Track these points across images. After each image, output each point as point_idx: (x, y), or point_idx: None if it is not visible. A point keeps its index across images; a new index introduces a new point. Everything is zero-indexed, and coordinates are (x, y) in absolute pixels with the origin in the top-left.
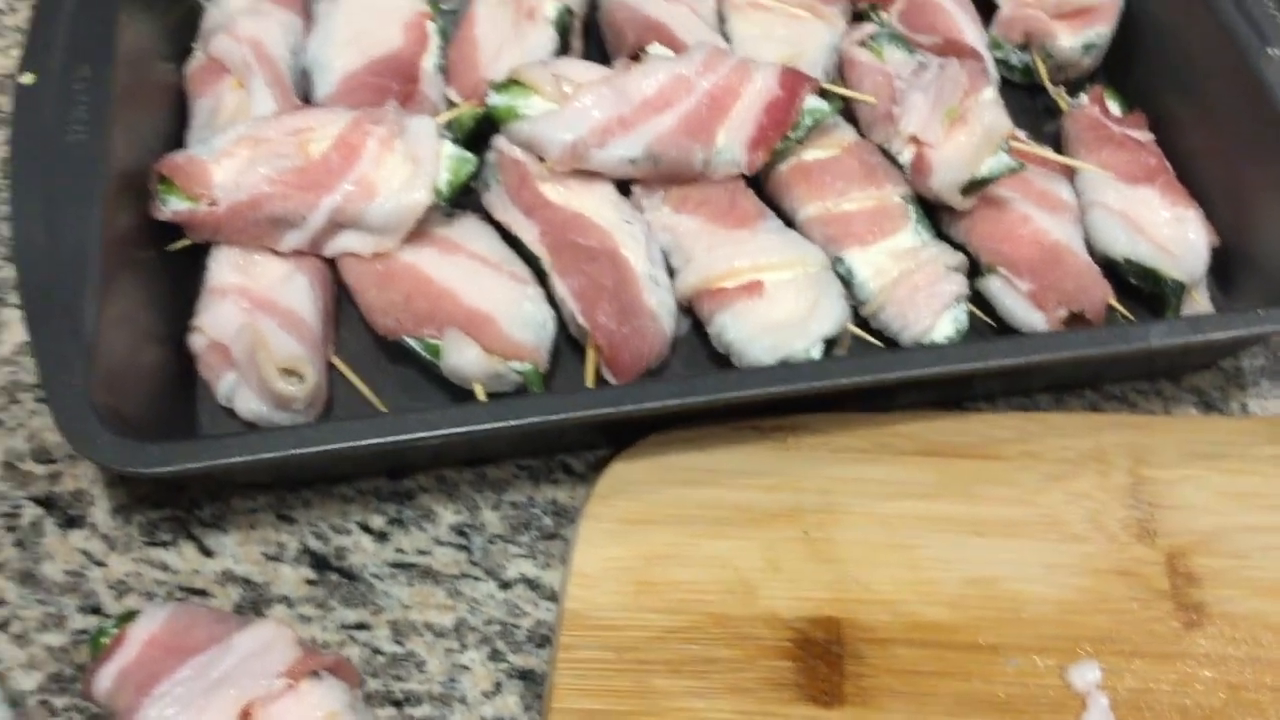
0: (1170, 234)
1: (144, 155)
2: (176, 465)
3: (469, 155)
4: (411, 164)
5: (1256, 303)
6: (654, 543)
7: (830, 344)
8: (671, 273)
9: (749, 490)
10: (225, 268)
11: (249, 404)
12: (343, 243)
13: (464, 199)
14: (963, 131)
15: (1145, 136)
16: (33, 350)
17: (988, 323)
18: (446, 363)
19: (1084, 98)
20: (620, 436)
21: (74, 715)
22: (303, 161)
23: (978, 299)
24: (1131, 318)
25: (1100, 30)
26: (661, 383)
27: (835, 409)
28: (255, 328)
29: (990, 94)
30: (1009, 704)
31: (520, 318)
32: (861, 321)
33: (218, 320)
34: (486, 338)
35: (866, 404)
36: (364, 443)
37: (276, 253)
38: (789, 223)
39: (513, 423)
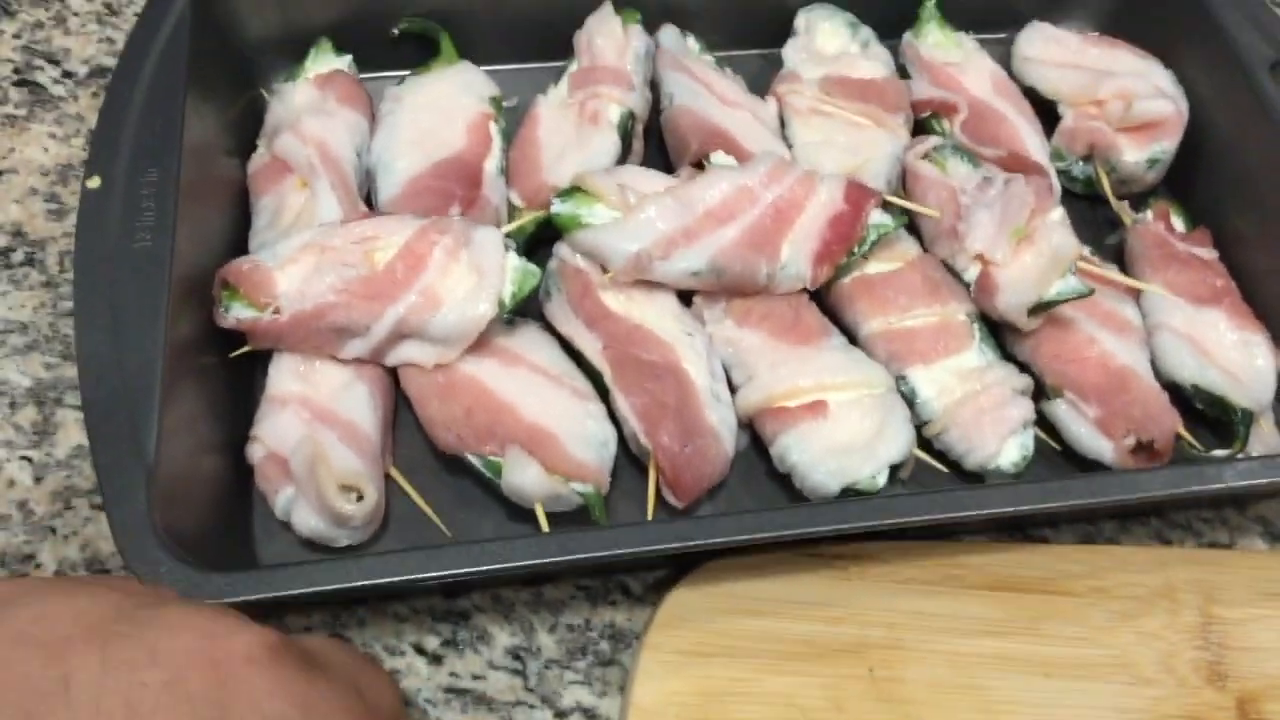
0: (1238, 359)
1: (207, 257)
2: (242, 596)
3: (534, 268)
4: (476, 275)
5: None
6: (715, 676)
7: (894, 467)
8: (732, 388)
9: (812, 622)
10: (286, 375)
11: (307, 520)
12: (405, 353)
13: (525, 305)
14: (1030, 252)
15: (1210, 254)
16: (95, 470)
17: (1051, 445)
18: (508, 482)
19: (1148, 214)
20: (680, 559)
21: None
22: (368, 271)
23: (1041, 420)
24: (1199, 447)
25: (1165, 145)
26: (728, 517)
27: (898, 537)
28: (315, 440)
29: (1058, 214)
30: None
31: (583, 436)
32: (924, 442)
33: (277, 430)
34: (548, 456)
35: (930, 533)
36: (430, 575)
37: (337, 360)
38: (851, 337)
39: (579, 557)
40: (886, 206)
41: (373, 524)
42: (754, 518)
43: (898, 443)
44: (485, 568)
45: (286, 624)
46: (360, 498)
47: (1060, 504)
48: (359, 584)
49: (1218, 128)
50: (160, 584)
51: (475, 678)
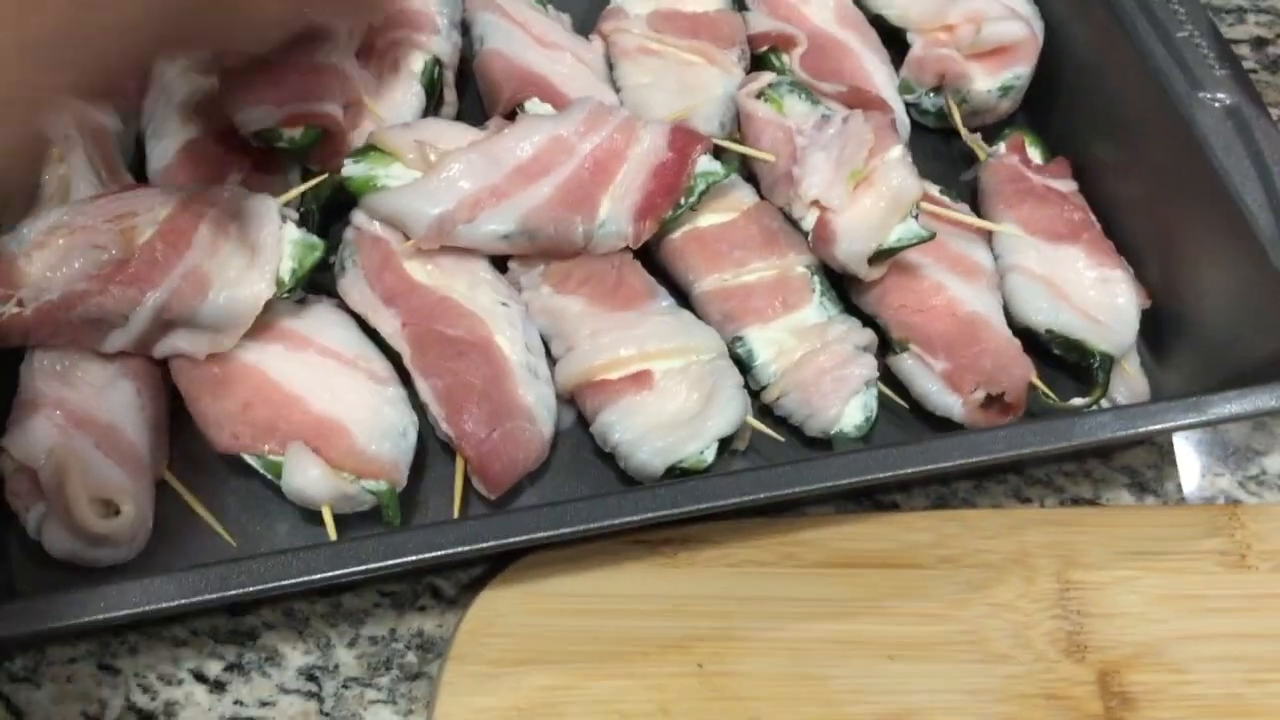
0: (1097, 298)
1: None
2: None
3: (316, 240)
4: (249, 251)
5: (1189, 365)
6: (529, 687)
7: (726, 440)
8: (554, 361)
9: (637, 618)
10: (39, 375)
11: (59, 540)
12: (173, 343)
13: (322, 277)
14: (869, 195)
15: (1068, 186)
16: None
17: (899, 403)
18: (288, 484)
19: (1002, 146)
20: (494, 556)
21: None
22: (123, 252)
23: (890, 376)
24: (1053, 396)
25: (1018, 71)
26: (532, 511)
27: (731, 516)
28: (65, 451)
29: (898, 152)
30: None
31: (378, 427)
32: (764, 409)
33: (26, 439)
34: (337, 451)
35: (766, 509)
36: (198, 599)
37: (100, 355)
38: (684, 296)
39: (370, 566)
40: (718, 153)
41: (136, 541)
42: (559, 510)
43: (727, 415)
44: (262, 586)
45: (48, 656)
46: (118, 513)
47: (898, 473)
48: (122, 613)
49: (1075, 53)
50: None
51: (264, 704)
